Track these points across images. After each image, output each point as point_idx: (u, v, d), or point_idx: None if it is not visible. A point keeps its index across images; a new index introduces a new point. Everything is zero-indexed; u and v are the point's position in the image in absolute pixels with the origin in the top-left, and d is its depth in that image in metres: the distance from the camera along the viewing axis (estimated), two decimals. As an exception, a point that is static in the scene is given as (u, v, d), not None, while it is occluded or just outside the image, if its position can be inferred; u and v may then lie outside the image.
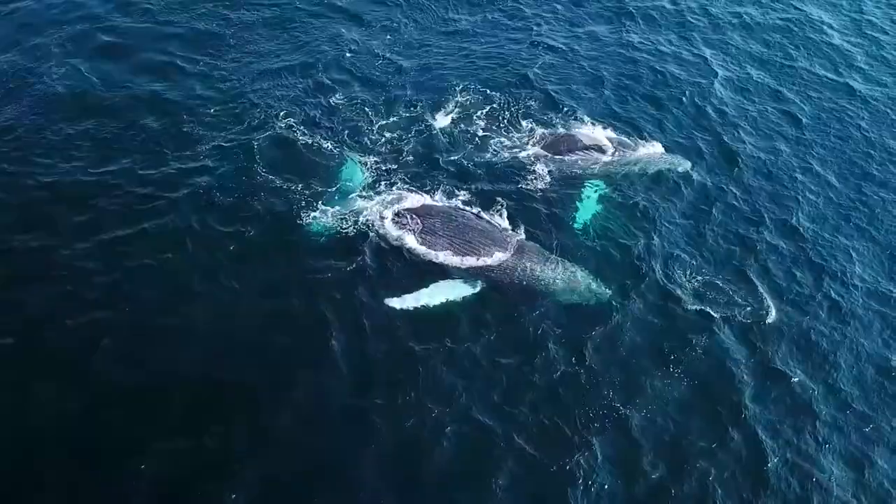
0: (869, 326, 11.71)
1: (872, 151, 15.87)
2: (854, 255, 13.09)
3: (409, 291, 11.15)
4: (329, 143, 14.17)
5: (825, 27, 20.43)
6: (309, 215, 12.41)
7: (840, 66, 18.96)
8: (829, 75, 18.52)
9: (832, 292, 12.20)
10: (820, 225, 13.65)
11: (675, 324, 11.25)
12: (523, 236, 12.35)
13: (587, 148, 14.42)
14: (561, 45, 18.37)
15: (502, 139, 14.93)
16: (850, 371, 11.01)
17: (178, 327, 10.51)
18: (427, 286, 11.23)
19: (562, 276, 11.56)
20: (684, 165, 14.38)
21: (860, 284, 12.46)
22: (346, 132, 14.57)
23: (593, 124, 15.44)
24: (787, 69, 18.54)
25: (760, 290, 11.94)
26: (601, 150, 14.41)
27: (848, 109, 17.23)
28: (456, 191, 13.23)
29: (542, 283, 11.47)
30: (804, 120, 16.53)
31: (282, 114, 14.87)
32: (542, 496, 9.04)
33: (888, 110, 17.45)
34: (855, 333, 11.57)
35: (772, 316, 11.46)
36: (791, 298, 11.97)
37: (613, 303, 11.35)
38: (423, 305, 10.94)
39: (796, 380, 10.70)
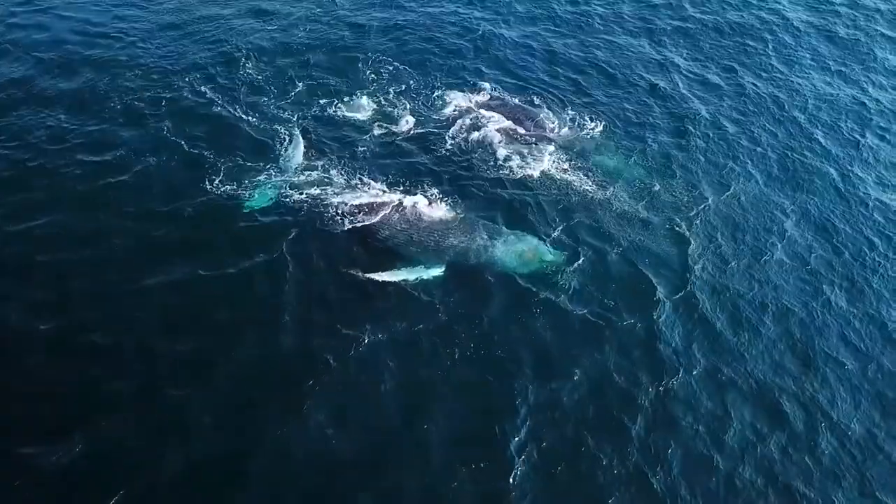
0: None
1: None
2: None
3: (364, 274, 11.31)
4: (257, 119, 14.49)
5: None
6: (248, 190, 12.60)
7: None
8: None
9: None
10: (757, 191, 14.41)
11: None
12: (470, 214, 12.66)
13: (516, 119, 15.16)
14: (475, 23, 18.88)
15: (425, 115, 15.30)
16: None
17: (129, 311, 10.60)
18: (385, 271, 11.38)
19: (514, 249, 11.90)
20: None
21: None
22: (268, 107, 14.95)
23: (512, 96, 16.12)
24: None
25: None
26: (525, 121, 15.19)
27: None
28: (393, 172, 13.49)
29: (496, 258, 11.80)
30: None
31: (205, 89, 15.34)
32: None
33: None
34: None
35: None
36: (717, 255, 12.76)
37: (566, 269, 11.79)
38: (384, 289, 11.11)
39: (719, 326, 11.38)
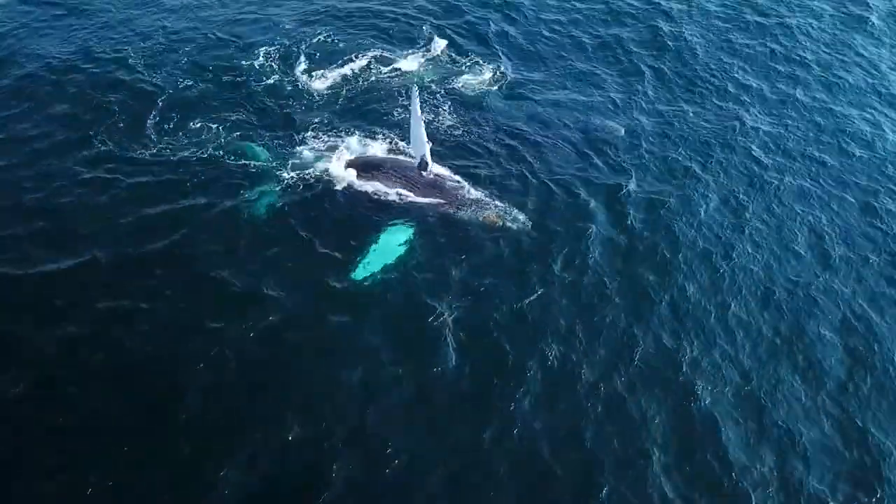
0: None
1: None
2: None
3: (362, 242, 11.68)
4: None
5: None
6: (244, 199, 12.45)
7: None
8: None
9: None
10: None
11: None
12: (440, 174, 12.98)
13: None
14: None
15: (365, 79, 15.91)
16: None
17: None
18: (377, 234, 11.82)
19: (481, 210, 12.33)
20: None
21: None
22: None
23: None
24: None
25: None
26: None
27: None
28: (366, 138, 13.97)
29: (466, 218, 12.25)
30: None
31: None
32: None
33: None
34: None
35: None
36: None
37: (534, 231, 12.19)
38: (378, 255, 11.47)
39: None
